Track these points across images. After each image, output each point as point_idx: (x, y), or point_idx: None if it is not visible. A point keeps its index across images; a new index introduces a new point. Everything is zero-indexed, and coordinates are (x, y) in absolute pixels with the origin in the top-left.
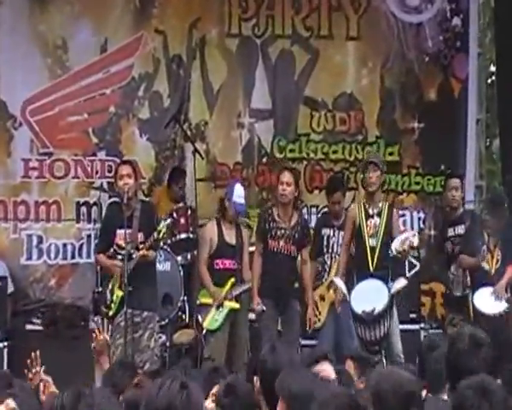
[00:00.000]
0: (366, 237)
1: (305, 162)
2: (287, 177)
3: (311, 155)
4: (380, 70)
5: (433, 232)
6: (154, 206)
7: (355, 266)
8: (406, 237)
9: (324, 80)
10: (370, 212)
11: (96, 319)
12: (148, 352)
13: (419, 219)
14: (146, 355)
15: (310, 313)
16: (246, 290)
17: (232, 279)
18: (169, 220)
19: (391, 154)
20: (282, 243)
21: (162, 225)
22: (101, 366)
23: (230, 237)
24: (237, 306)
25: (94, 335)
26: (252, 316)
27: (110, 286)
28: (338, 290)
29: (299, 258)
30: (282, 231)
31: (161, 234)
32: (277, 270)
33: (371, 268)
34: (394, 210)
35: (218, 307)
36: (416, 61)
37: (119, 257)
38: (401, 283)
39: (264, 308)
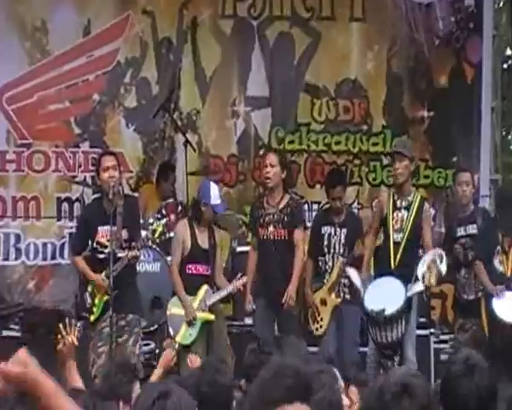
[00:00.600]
0: (391, 231)
1: (305, 154)
2: (270, 158)
3: (312, 146)
4: (386, 54)
5: (443, 230)
6: (138, 201)
7: (375, 260)
8: (433, 264)
9: (326, 65)
10: (398, 204)
11: (78, 324)
12: (134, 359)
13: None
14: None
15: (290, 289)
16: (221, 299)
17: (205, 287)
18: (165, 220)
19: None
20: (270, 228)
21: (157, 224)
22: (68, 371)
23: (203, 240)
24: (212, 317)
25: (60, 336)
26: (248, 321)
27: (90, 288)
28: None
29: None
30: (271, 216)
31: (157, 234)
32: (269, 260)
33: (392, 265)
34: (426, 205)
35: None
36: (426, 44)
37: (101, 256)
38: (419, 286)
39: (254, 307)
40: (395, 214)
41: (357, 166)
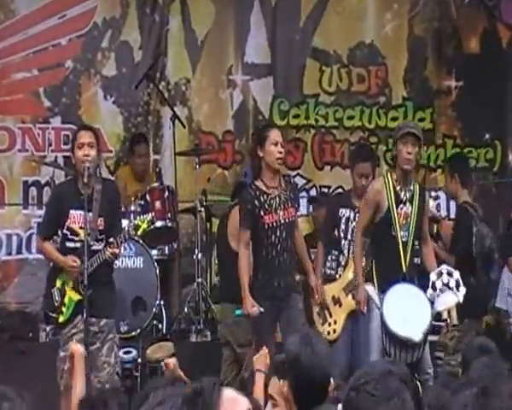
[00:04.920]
0: (398, 230)
1: (312, 131)
2: (279, 136)
3: (321, 121)
4: (407, 14)
5: None
6: (118, 186)
7: (380, 265)
8: (450, 296)
9: (337, 27)
10: (402, 196)
11: (47, 329)
12: (108, 369)
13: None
14: (105, 375)
15: (313, 280)
16: None
17: None
18: (150, 215)
19: (422, 120)
20: (280, 212)
21: (141, 220)
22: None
23: None
24: None
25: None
26: None
27: (59, 283)
28: (364, 298)
29: None
30: (277, 198)
31: (140, 230)
32: (280, 246)
33: (404, 268)
34: (427, 194)
35: None
36: (454, 2)
37: (71, 245)
38: (451, 299)
39: (262, 309)
40: (399, 209)
41: (373, 144)
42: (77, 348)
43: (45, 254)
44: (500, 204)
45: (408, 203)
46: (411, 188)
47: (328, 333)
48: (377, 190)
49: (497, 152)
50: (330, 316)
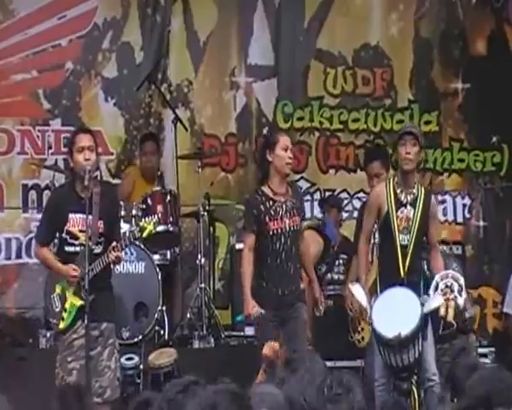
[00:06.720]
0: (396, 233)
1: (317, 134)
2: (289, 141)
3: (326, 124)
4: (414, 15)
5: (481, 223)
6: (117, 189)
7: (383, 269)
8: (451, 296)
9: (342, 28)
10: (403, 199)
11: (48, 334)
12: (109, 374)
13: (464, 206)
14: (106, 379)
15: (316, 290)
16: None
17: None
18: (156, 217)
19: (428, 123)
20: (286, 220)
21: (147, 222)
22: None
23: None
24: None
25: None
26: (249, 331)
27: (59, 289)
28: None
29: None
30: (283, 205)
31: (145, 233)
32: (284, 254)
33: (402, 273)
34: (433, 198)
35: None
36: (460, 3)
37: (70, 249)
38: (437, 301)
39: (263, 311)
40: (399, 212)
41: (378, 147)
42: None
43: (44, 262)
44: (507, 208)
45: (409, 206)
46: (414, 191)
47: (359, 341)
48: (377, 193)
49: (504, 156)
50: (359, 324)
